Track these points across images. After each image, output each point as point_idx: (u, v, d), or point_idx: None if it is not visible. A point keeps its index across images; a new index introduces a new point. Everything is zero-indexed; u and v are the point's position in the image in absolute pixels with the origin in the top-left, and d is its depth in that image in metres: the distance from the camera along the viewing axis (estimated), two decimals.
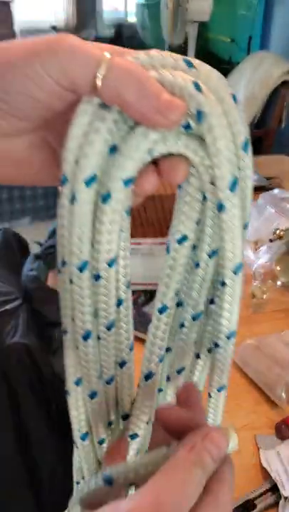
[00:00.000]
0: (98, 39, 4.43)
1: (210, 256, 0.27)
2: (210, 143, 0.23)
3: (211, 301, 0.29)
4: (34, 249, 1.04)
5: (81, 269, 0.26)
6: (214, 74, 0.24)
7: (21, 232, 1.10)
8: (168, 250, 0.28)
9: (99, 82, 0.22)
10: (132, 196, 0.26)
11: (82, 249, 0.25)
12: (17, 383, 0.74)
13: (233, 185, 0.24)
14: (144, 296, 0.87)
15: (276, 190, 1.19)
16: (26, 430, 0.76)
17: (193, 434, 0.24)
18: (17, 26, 4.33)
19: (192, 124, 0.23)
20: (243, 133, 0.24)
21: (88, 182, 0.24)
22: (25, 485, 0.75)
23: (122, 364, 0.30)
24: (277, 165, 1.48)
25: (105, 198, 0.24)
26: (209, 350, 0.31)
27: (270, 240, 0.97)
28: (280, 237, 0.96)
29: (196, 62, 0.24)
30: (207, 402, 0.32)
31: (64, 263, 0.27)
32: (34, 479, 0.76)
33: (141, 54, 0.24)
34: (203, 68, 0.24)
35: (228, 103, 0.23)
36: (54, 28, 4.54)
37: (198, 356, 0.32)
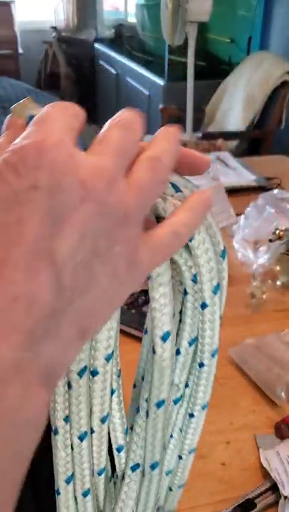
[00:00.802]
0: (98, 39, 4.43)
1: (190, 344, 0.29)
2: (195, 255, 0.26)
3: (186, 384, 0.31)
4: None
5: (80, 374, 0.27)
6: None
7: None
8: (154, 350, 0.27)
9: None
10: None
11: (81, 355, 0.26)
12: None
13: (216, 289, 0.27)
14: (144, 296, 0.87)
15: (276, 191, 1.19)
16: None
17: None
18: (17, 27, 4.34)
19: None
20: (221, 243, 0.27)
21: None
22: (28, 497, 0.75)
23: (118, 449, 0.32)
24: (277, 165, 1.48)
25: None
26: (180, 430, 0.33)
27: (270, 240, 0.97)
28: (279, 237, 0.96)
29: (181, 185, 0.25)
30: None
31: None
32: (34, 489, 0.76)
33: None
34: (186, 191, 0.25)
35: (208, 220, 0.26)
36: (54, 29, 4.54)
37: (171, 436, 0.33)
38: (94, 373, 0.27)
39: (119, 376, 0.30)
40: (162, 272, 0.24)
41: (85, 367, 0.26)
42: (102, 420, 0.29)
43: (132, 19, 4.04)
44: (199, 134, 2.23)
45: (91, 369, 0.27)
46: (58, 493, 0.30)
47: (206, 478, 0.58)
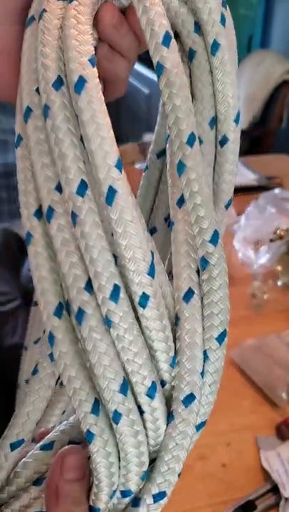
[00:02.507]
0: None
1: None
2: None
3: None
4: None
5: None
6: None
7: (21, 232, 1.10)
8: None
9: None
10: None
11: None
12: (15, 384, 0.74)
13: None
14: None
15: (277, 190, 1.19)
16: None
17: None
18: None
19: None
20: None
21: None
22: None
23: None
24: (278, 164, 1.48)
25: None
26: None
27: (271, 240, 0.96)
28: (280, 237, 0.96)
29: None
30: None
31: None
32: None
33: None
34: None
35: None
36: None
37: None
38: None
39: None
40: None
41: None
42: None
43: None
44: None
45: None
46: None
47: (207, 480, 0.58)
